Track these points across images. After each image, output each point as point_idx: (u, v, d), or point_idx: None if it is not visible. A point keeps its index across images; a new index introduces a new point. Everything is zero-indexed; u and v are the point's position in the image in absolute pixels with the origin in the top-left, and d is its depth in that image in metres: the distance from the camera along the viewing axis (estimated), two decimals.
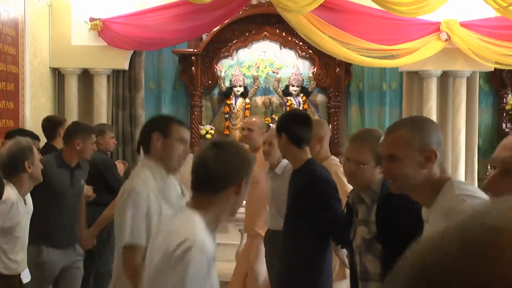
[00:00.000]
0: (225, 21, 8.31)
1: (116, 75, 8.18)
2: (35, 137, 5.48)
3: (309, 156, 3.98)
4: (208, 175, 2.32)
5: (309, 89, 8.90)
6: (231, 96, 8.85)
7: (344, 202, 3.62)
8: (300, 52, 8.84)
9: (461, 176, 8.01)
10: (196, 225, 2.25)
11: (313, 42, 7.72)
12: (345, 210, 3.37)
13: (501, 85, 8.65)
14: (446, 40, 7.67)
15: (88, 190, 5.42)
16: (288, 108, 8.81)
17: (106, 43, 7.81)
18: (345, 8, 7.65)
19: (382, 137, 2.47)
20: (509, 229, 0.55)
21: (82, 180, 5.12)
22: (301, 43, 8.70)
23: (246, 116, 8.70)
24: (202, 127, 8.72)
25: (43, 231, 4.74)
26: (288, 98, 8.87)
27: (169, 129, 3.23)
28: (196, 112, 8.74)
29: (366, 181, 3.03)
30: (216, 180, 2.32)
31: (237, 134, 8.75)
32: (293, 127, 3.95)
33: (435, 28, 7.72)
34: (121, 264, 3.15)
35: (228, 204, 2.35)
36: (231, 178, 2.33)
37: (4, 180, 3.65)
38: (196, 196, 2.36)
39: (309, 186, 3.79)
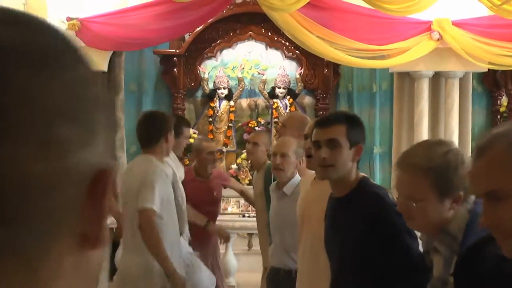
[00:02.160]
0: (209, 20, 8.26)
1: None
2: None
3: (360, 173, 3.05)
4: (149, 134, 4.24)
5: (296, 91, 8.88)
6: (215, 99, 8.83)
7: None
8: (286, 52, 8.82)
9: None
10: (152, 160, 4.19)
11: (300, 42, 7.69)
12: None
13: (495, 86, 8.65)
14: (438, 39, 7.63)
15: None
16: (274, 111, 8.77)
17: (84, 43, 7.62)
18: (334, 7, 7.61)
19: (471, 162, 1.58)
20: None
21: None
22: (287, 43, 8.67)
23: (231, 120, 8.75)
24: None
25: None
26: (275, 100, 8.84)
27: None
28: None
29: (431, 221, 2.14)
30: (155, 135, 4.20)
31: (221, 138, 8.79)
32: (364, 136, 3.06)
33: (426, 27, 7.67)
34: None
35: (164, 148, 4.23)
36: (163, 132, 4.22)
37: None
38: (144, 148, 4.28)
39: (382, 219, 2.79)
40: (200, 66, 8.78)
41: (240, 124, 8.90)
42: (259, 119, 8.86)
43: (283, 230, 4.12)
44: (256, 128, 8.67)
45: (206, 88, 8.80)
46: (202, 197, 5.38)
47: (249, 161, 5.40)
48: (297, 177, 4.17)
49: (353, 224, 2.87)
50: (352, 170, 2.93)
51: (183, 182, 4.75)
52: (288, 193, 4.15)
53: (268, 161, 4.94)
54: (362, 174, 3.05)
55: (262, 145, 5.07)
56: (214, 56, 8.81)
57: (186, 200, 4.61)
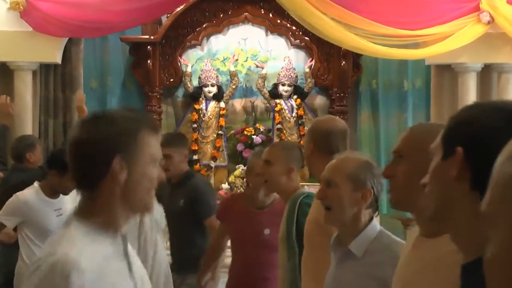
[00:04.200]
0: None
1: (45, 70, 7.93)
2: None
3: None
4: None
5: (305, 89, 8.57)
6: (201, 99, 8.55)
7: None
8: (292, 39, 8.57)
9: None
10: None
11: (310, 26, 7.53)
12: None
13: None
14: (489, 22, 7.39)
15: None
16: (277, 115, 8.44)
17: (31, 28, 7.52)
18: None
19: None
20: None
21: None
22: (294, 28, 8.43)
23: (222, 127, 8.60)
24: None
25: None
26: (277, 101, 8.50)
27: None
28: None
29: None
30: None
31: (208, 150, 8.61)
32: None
33: (473, 6, 7.46)
34: None
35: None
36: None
37: None
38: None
39: None
40: (181, 57, 8.52)
41: (232, 131, 8.56)
42: (257, 125, 8.54)
43: None
44: (253, 136, 8.33)
45: (189, 85, 8.47)
46: (245, 234, 4.60)
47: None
48: (374, 228, 2.94)
49: None
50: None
51: (228, 213, 4.58)
52: (358, 253, 2.87)
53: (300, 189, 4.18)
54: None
55: (276, 164, 4.18)
56: (200, 45, 8.58)
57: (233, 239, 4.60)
